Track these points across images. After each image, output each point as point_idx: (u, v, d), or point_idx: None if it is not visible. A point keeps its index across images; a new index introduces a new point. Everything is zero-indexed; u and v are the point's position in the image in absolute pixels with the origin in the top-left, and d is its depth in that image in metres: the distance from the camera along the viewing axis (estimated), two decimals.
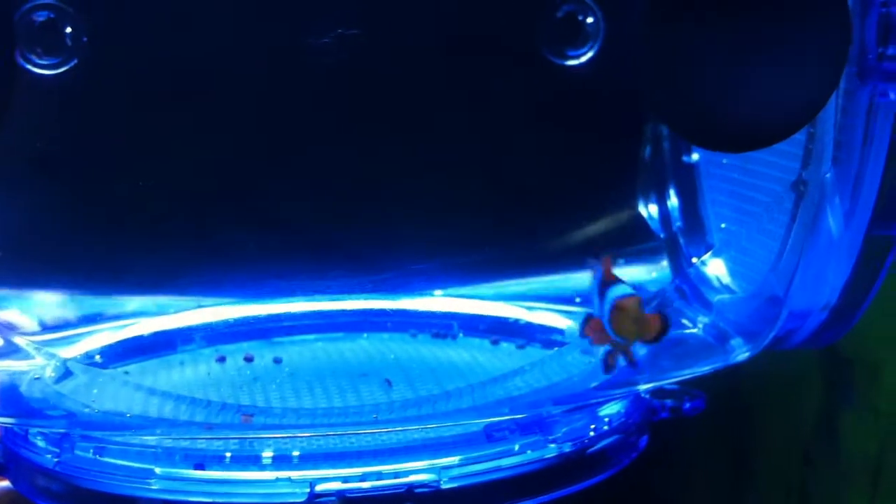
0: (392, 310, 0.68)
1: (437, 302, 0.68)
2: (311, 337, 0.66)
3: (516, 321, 0.67)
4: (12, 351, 0.56)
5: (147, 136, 0.64)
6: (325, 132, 0.65)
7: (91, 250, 0.63)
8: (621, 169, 0.69)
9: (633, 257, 0.67)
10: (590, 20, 0.65)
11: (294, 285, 0.67)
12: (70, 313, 0.61)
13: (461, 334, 0.66)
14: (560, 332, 0.66)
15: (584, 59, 0.65)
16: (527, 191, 0.68)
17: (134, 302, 0.63)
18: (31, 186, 0.63)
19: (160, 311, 0.64)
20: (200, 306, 0.65)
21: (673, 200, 0.67)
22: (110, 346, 0.61)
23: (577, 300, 0.67)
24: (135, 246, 0.63)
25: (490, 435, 0.51)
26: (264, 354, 0.63)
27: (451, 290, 0.68)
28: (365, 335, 0.67)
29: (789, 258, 0.54)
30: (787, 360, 0.64)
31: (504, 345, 0.65)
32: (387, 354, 0.64)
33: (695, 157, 0.67)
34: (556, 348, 0.64)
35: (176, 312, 0.64)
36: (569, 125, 0.67)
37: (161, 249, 0.64)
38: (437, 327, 0.67)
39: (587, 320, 0.52)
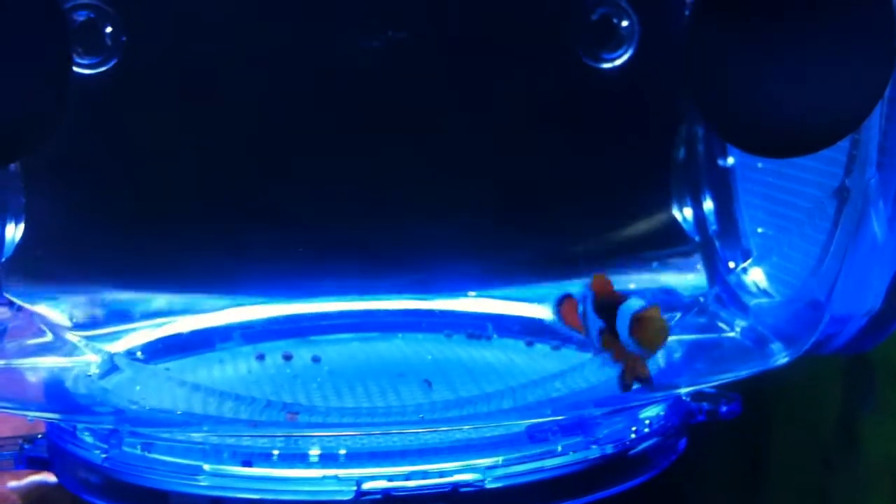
0: (426, 310, 0.68)
1: (472, 303, 0.68)
2: (347, 336, 0.67)
3: (551, 322, 0.67)
4: (57, 346, 0.57)
5: (185, 135, 0.64)
6: (362, 133, 0.66)
7: (130, 249, 0.63)
8: (655, 172, 0.69)
9: (667, 261, 0.68)
10: (625, 23, 0.65)
11: (329, 285, 0.67)
12: (109, 311, 0.62)
13: (495, 335, 0.67)
14: None
15: (618, 61, 0.66)
16: (560, 193, 0.68)
17: (173, 300, 0.64)
18: (69, 185, 0.63)
19: (198, 310, 0.65)
20: (238, 305, 0.66)
21: (708, 204, 0.67)
22: (150, 344, 0.62)
23: None
24: (173, 245, 0.64)
25: (533, 436, 0.51)
26: (302, 353, 0.63)
27: (485, 292, 0.68)
28: (400, 335, 0.67)
29: (831, 263, 0.54)
30: (808, 362, 0.65)
31: (539, 346, 0.66)
32: (423, 355, 0.64)
33: (730, 160, 0.67)
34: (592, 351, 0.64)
35: (214, 311, 0.65)
36: (603, 128, 0.68)
37: (199, 248, 0.65)
38: (472, 328, 0.67)
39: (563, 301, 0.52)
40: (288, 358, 0.63)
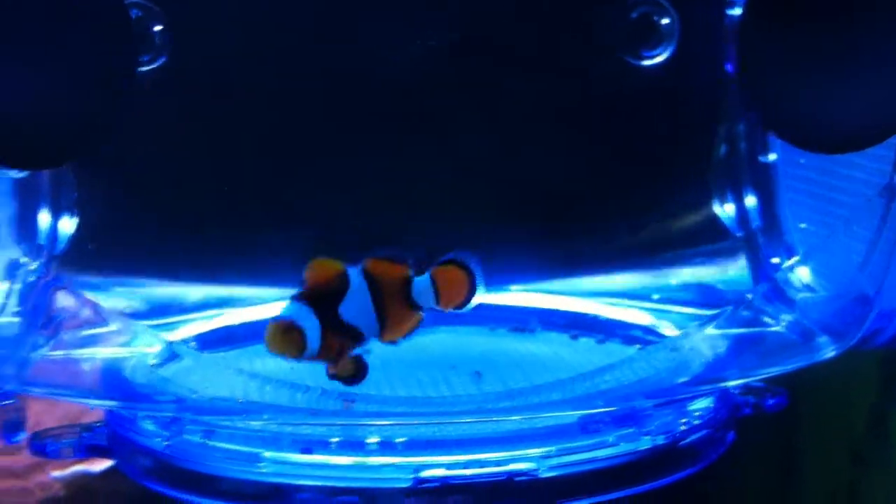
0: None
1: (515, 297, 0.69)
2: None
3: (595, 317, 0.68)
4: (114, 336, 0.58)
5: (232, 132, 0.65)
6: (408, 132, 0.66)
7: (180, 242, 0.64)
8: (695, 168, 0.69)
9: (709, 256, 0.68)
10: (665, 21, 0.66)
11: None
12: (161, 303, 0.63)
13: (539, 329, 0.67)
14: (639, 327, 0.67)
15: (659, 59, 0.66)
16: (601, 190, 0.69)
17: (222, 292, 0.65)
18: (119, 180, 0.64)
19: (247, 302, 0.66)
20: (283, 298, 0.67)
21: (750, 200, 0.68)
22: (202, 335, 0.63)
23: (655, 297, 0.68)
24: (223, 238, 0.65)
25: (585, 426, 0.52)
26: None
27: (528, 286, 0.69)
28: (442, 328, 0.68)
29: (880, 259, 0.55)
30: (841, 357, 0.65)
31: (583, 340, 0.66)
32: (470, 347, 0.65)
33: (772, 157, 0.68)
34: (637, 345, 0.65)
35: (262, 303, 0.66)
36: (644, 124, 0.68)
37: (248, 242, 0.65)
38: (516, 322, 0.68)
39: None
40: None
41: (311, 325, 0.47)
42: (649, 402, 0.53)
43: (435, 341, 0.66)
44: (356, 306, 0.49)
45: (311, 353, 0.48)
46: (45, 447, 0.55)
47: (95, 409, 0.56)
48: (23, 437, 0.55)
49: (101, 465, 0.74)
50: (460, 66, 0.65)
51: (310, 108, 0.65)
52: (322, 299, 0.48)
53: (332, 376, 0.50)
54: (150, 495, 0.75)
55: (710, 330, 0.60)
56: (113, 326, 0.58)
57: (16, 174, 0.60)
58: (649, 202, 0.69)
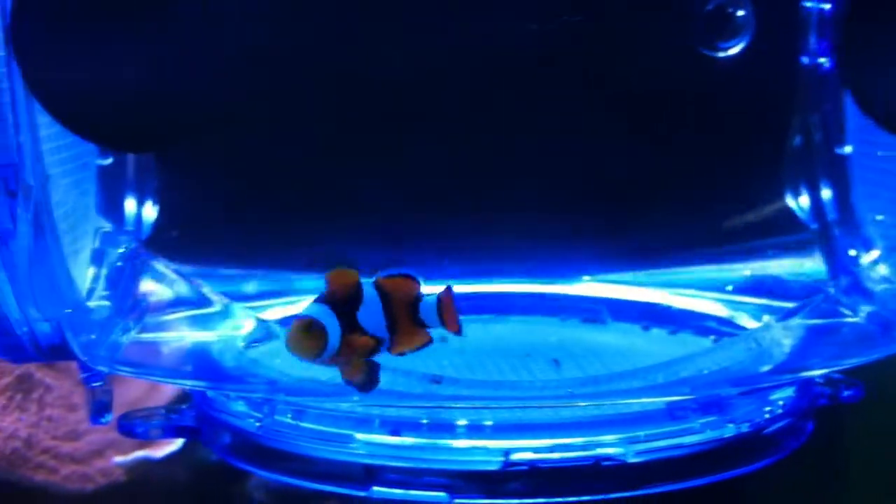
0: (541, 293, 0.69)
1: (586, 287, 0.69)
2: (463, 318, 0.68)
3: (667, 307, 0.68)
4: (202, 318, 0.59)
5: (323, 125, 0.66)
6: (487, 124, 0.67)
7: (260, 230, 0.65)
8: (769, 160, 0.69)
9: (782, 249, 0.68)
10: (741, 12, 0.66)
11: (445, 268, 0.69)
12: (247, 289, 0.64)
13: (610, 319, 0.68)
14: (712, 318, 0.67)
15: (733, 51, 0.66)
16: (674, 181, 0.69)
17: (304, 280, 0.66)
18: (200, 168, 0.65)
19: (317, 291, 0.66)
20: None
21: (826, 192, 0.68)
22: (285, 319, 0.63)
23: (729, 288, 0.68)
24: (307, 229, 0.66)
25: (673, 413, 0.52)
26: None
27: (599, 276, 0.69)
28: (514, 318, 0.68)
29: None
30: None
31: (655, 330, 0.67)
32: (544, 337, 0.65)
33: (847, 148, 0.68)
34: (711, 336, 0.65)
35: None
36: (718, 115, 0.68)
37: (329, 231, 0.66)
38: (587, 312, 0.68)
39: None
40: None
41: (333, 326, 0.48)
42: (734, 389, 0.53)
43: (507, 330, 0.67)
44: (370, 315, 0.50)
45: (331, 353, 0.49)
46: (133, 428, 0.56)
47: (189, 389, 0.57)
48: (110, 418, 0.57)
49: (162, 450, 0.75)
50: (534, 61, 0.65)
51: (380, 100, 0.66)
52: (341, 304, 0.49)
53: (347, 382, 0.51)
54: (208, 481, 0.76)
55: (790, 321, 0.60)
56: (194, 309, 0.58)
57: (102, 160, 0.61)
58: (722, 194, 0.69)
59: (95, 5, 0.48)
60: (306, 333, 0.48)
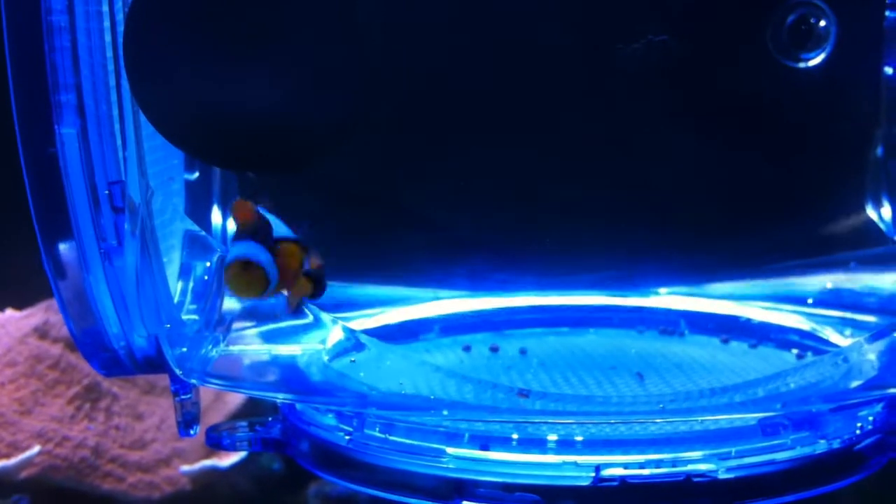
0: (618, 306, 0.69)
1: (663, 300, 0.69)
2: (539, 330, 0.68)
3: (747, 320, 0.67)
4: (289, 331, 0.59)
5: (394, 135, 0.66)
6: (566, 136, 0.67)
7: (345, 241, 0.66)
8: (850, 171, 0.69)
9: (864, 262, 0.67)
10: (822, 23, 0.65)
11: (520, 280, 0.69)
12: (326, 301, 0.64)
13: (688, 332, 0.67)
14: (793, 331, 0.66)
15: (815, 61, 0.66)
16: (753, 192, 0.69)
17: (384, 291, 0.66)
18: (280, 181, 0.66)
19: (404, 302, 0.67)
20: (437, 298, 0.68)
21: None
22: (363, 332, 0.64)
23: (809, 301, 0.67)
24: (385, 240, 0.66)
25: (765, 429, 0.52)
26: (507, 345, 0.65)
27: (676, 289, 0.69)
28: (592, 330, 0.68)
29: None
30: None
31: (734, 343, 0.66)
32: (624, 349, 0.65)
33: None
34: (794, 349, 0.64)
35: (417, 303, 0.67)
36: (799, 126, 0.68)
37: (405, 244, 0.67)
38: (664, 324, 0.68)
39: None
40: (495, 350, 0.64)
41: (266, 259, 0.49)
42: (826, 405, 0.53)
43: (587, 342, 0.67)
44: (280, 230, 0.51)
45: (274, 282, 0.49)
46: (221, 440, 0.57)
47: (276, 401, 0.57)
48: (198, 430, 0.57)
49: (229, 460, 0.76)
50: (622, 75, 0.65)
51: (469, 110, 0.66)
52: (258, 234, 0.50)
53: (297, 305, 0.51)
54: (271, 490, 0.77)
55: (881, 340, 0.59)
56: (284, 322, 0.59)
57: (189, 175, 0.62)
58: (804, 206, 0.68)
59: (209, 29, 0.49)
60: (250, 275, 0.48)
